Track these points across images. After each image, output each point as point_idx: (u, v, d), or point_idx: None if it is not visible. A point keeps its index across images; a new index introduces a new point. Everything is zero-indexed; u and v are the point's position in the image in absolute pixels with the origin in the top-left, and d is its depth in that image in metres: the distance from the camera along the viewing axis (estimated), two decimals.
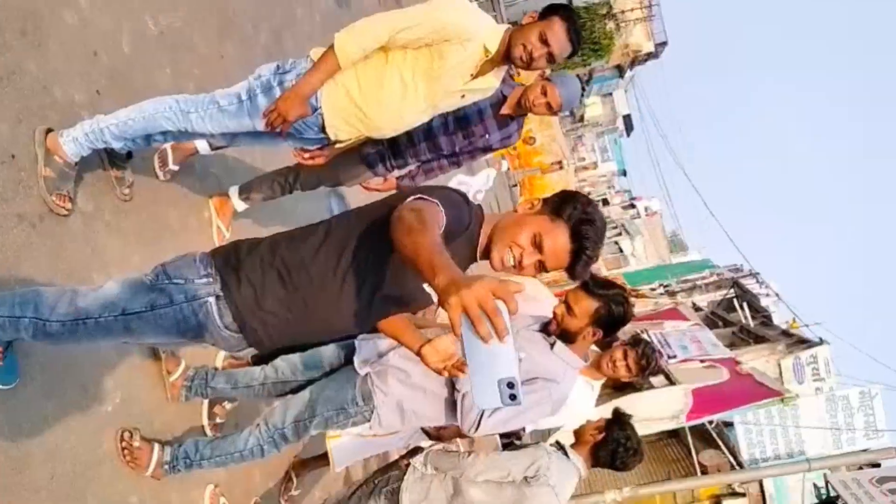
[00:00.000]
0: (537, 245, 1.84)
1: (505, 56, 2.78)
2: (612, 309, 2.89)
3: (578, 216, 1.84)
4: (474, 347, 1.22)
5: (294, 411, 3.02)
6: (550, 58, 2.75)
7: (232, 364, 3.57)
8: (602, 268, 29.26)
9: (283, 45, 5.71)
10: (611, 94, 51.08)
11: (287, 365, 3.18)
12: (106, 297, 1.88)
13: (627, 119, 55.34)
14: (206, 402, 3.43)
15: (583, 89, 3.81)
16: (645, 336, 5.12)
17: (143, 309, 1.85)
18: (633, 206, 61.90)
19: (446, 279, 1.26)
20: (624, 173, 66.39)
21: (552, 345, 2.99)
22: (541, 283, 3.99)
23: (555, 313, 2.99)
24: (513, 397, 1.22)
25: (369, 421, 3.02)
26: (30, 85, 2.75)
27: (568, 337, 2.97)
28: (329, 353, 3.18)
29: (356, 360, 3.03)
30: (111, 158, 3.11)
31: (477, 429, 2.86)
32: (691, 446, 8.27)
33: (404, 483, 3.37)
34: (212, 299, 1.83)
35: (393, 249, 1.55)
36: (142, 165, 3.40)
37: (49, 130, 2.77)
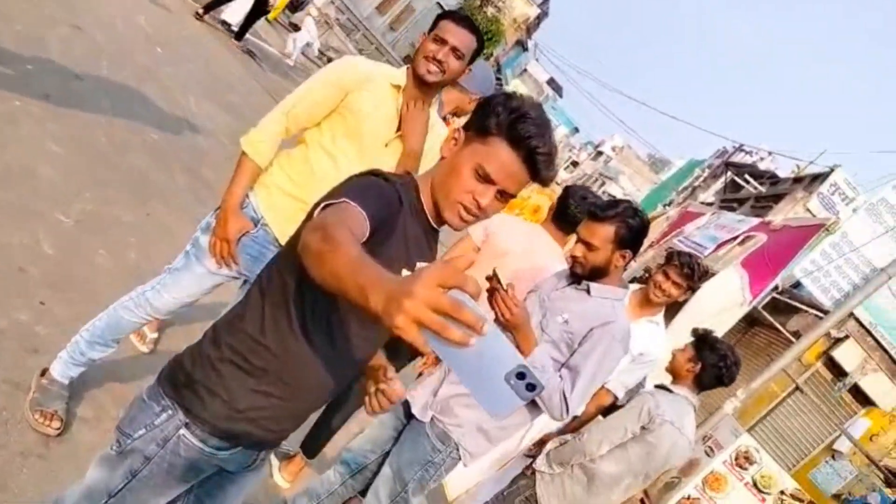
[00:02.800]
0: (483, 177, 1.56)
1: (418, 82, 2.59)
2: (630, 223, 2.70)
3: (507, 119, 1.53)
4: (457, 358, 0.99)
5: (385, 491, 2.85)
6: (456, 52, 2.56)
7: (291, 471, 3.51)
8: None
9: (203, 178, 5.64)
10: (525, 70, 51.59)
11: (354, 453, 3.02)
12: (88, 486, 1.65)
13: (552, 83, 55.74)
14: None
15: (498, 79, 3.80)
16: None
17: (127, 481, 1.59)
18: (600, 153, 62.08)
19: (381, 297, 1.00)
20: (576, 130, 66.79)
21: (588, 290, 2.82)
22: (531, 233, 3.56)
23: (575, 256, 2.81)
24: (531, 387, 0.99)
25: (460, 459, 2.85)
26: None
27: (599, 272, 2.78)
28: (388, 419, 3.02)
29: (415, 410, 2.86)
30: None
31: (568, 409, 2.67)
32: (774, 322, 8.04)
33: (539, 490, 3.22)
34: (183, 431, 1.56)
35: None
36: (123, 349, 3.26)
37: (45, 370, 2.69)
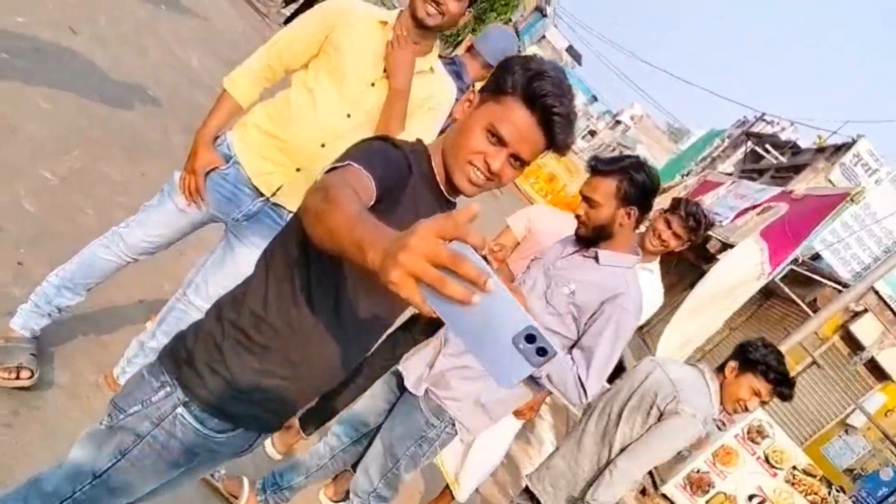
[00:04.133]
0: (495, 139, 1.45)
1: (416, 26, 2.41)
2: (634, 177, 2.49)
3: (523, 78, 1.44)
4: (458, 318, 0.88)
5: (376, 466, 2.72)
6: None
7: (285, 442, 3.33)
8: None
9: None
10: (544, 36, 50.73)
11: (345, 427, 2.88)
12: (72, 466, 1.51)
13: (571, 50, 54.85)
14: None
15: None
16: None
17: (115, 460, 1.47)
18: (618, 122, 61.35)
19: (378, 252, 0.92)
20: (595, 99, 65.92)
21: (596, 258, 2.61)
22: (541, 207, 3.38)
23: (578, 216, 2.61)
24: (542, 351, 0.87)
25: (455, 434, 2.69)
26: None
27: (604, 232, 2.58)
28: (381, 391, 2.87)
29: (408, 383, 2.70)
30: None
31: (586, 394, 2.49)
32: (791, 295, 7.82)
33: None
34: (181, 410, 1.47)
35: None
36: (106, 312, 3.12)
37: None
